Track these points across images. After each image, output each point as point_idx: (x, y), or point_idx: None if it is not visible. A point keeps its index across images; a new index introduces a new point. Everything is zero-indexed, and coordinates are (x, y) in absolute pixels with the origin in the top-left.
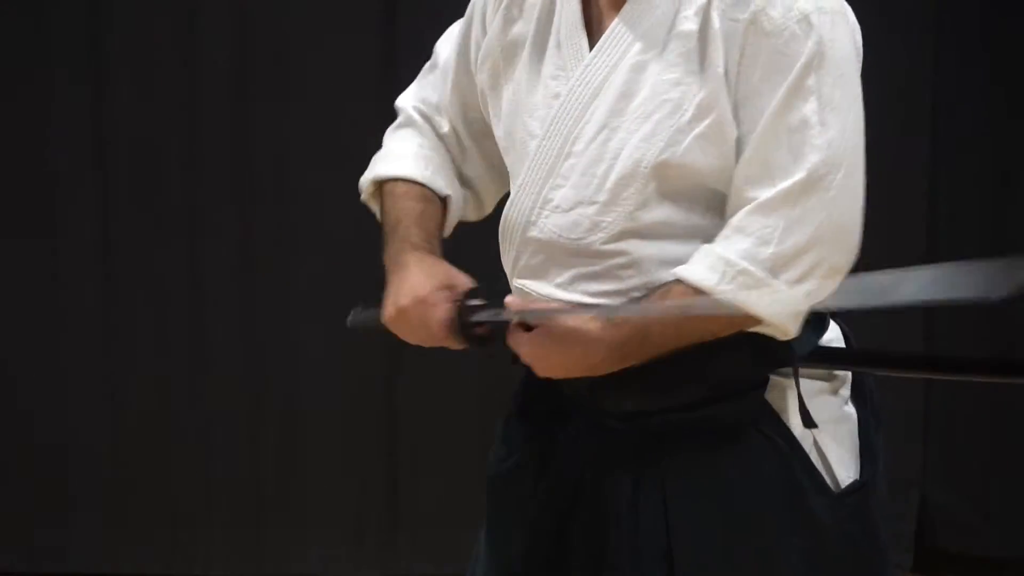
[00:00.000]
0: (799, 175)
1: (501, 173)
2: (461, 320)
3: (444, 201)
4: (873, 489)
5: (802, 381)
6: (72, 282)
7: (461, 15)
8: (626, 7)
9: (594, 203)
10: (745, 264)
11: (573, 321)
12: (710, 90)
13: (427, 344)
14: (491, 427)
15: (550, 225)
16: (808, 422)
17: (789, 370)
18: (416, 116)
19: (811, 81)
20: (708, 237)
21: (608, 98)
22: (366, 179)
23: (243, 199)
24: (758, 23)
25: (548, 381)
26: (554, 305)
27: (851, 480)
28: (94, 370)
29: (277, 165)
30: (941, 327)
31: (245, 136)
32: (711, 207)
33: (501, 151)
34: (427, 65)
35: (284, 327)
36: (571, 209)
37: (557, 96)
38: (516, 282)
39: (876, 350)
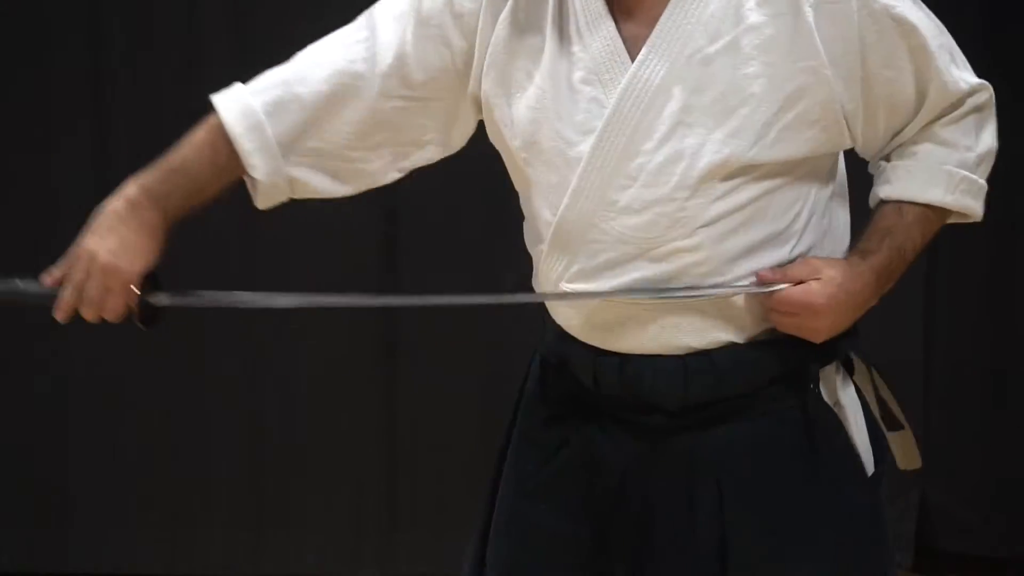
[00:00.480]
0: (980, 95)
1: (385, 159)
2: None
3: (244, 172)
4: (885, 477)
5: (828, 368)
6: None
7: None
8: (673, 2)
9: (673, 200)
10: (964, 172)
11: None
12: (800, 81)
13: (75, 303)
14: (491, 428)
15: (618, 227)
16: (892, 424)
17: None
18: (318, 73)
19: (915, 15)
20: (783, 228)
21: (677, 94)
22: (233, 96)
23: (243, 199)
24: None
25: (574, 386)
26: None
27: (871, 467)
28: (94, 370)
29: None
30: (940, 325)
31: None
32: (792, 185)
33: (519, 163)
34: (362, 22)
35: (284, 327)
36: (644, 209)
37: (595, 100)
38: (565, 287)
39: None
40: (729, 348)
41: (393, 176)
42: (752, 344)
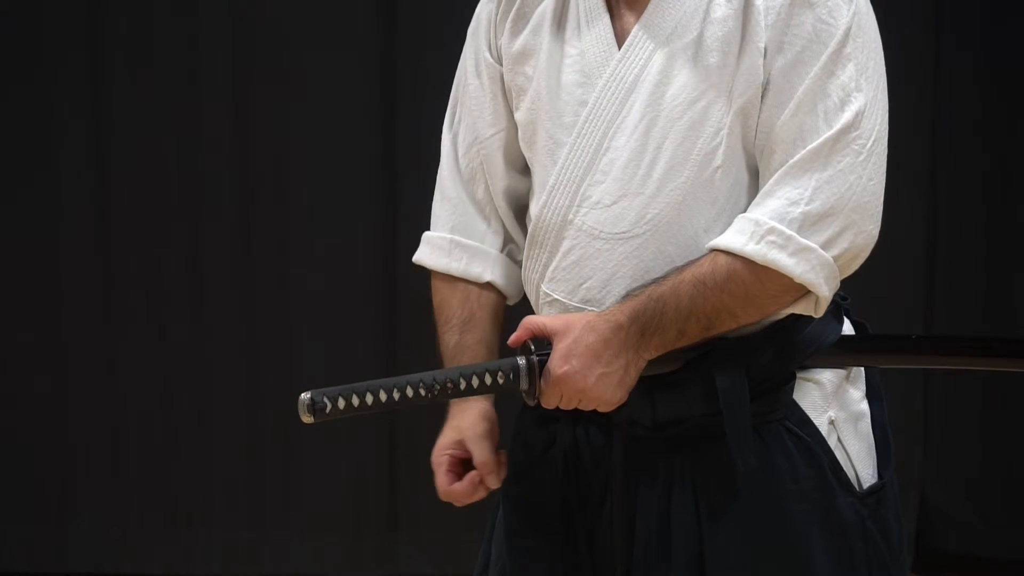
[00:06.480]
0: (830, 132)
1: None
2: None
3: (491, 284)
4: (891, 489)
5: (825, 374)
6: (72, 282)
7: (461, 14)
8: (653, 1)
9: (640, 195)
10: (774, 223)
11: (571, 327)
12: (748, 67)
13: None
14: None
15: (590, 222)
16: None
17: (816, 369)
18: (449, 188)
19: (849, 48)
20: (731, 207)
21: (645, 90)
22: (418, 259)
23: (243, 199)
24: None
25: None
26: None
27: (871, 478)
28: (94, 370)
29: (277, 165)
30: (941, 325)
31: (245, 136)
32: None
33: (528, 162)
34: (447, 120)
35: (284, 327)
36: (614, 203)
37: (584, 103)
38: (545, 287)
39: (900, 336)
40: (694, 371)
41: None
42: (717, 366)
